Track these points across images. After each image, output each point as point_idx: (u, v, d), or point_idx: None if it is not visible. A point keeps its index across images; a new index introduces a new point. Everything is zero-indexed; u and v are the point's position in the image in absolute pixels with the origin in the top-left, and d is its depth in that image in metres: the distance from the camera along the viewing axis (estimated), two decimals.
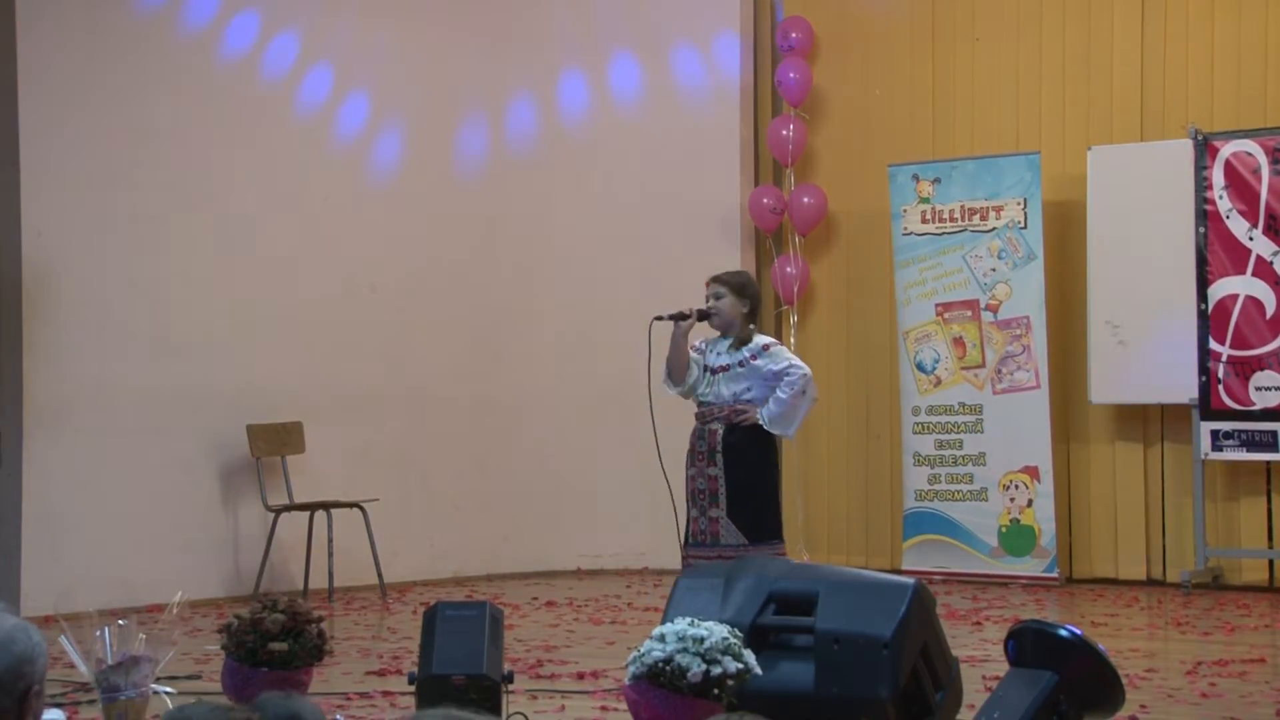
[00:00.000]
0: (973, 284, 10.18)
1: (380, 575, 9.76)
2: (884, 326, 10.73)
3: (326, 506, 9.59)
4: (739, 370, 7.16)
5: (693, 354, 7.23)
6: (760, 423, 7.15)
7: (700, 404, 7.24)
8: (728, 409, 7.15)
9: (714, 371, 7.17)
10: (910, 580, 5.14)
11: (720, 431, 7.15)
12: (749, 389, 7.16)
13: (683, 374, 7.18)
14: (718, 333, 7.31)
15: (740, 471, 7.13)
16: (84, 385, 9.03)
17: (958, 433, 10.19)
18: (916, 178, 10.37)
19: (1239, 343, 9.31)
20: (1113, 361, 9.75)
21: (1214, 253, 9.36)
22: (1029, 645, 4.65)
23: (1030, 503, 9.94)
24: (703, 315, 7.19)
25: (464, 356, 10.74)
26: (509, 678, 5.39)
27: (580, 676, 6.70)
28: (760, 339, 7.26)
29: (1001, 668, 5.08)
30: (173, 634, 5.39)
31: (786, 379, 7.12)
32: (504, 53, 11.01)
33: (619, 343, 10.92)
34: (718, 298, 7.21)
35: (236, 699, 5.38)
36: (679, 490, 7.26)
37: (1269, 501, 9.55)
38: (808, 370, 7.23)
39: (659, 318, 7.19)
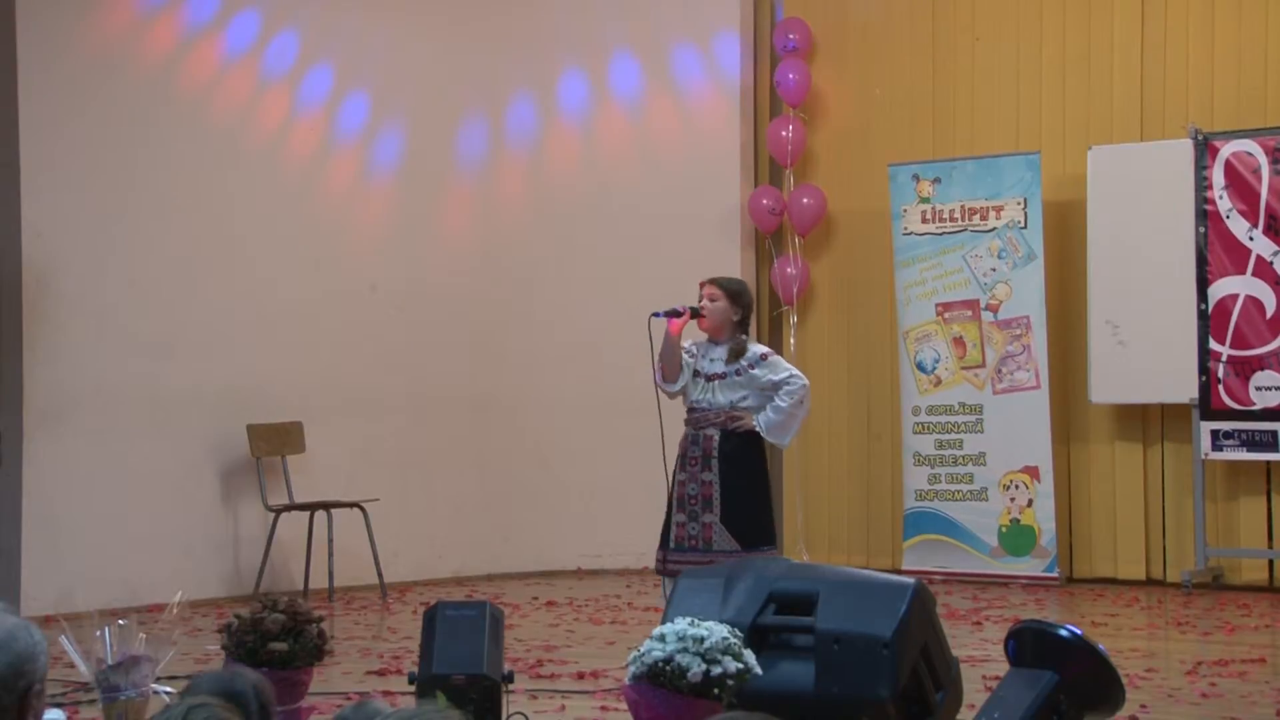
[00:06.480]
0: (973, 284, 10.18)
1: (380, 575, 9.76)
2: (884, 326, 10.73)
3: (327, 506, 9.59)
4: (736, 379, 7.17)
5: (684, 356, 7.24)
6: (757, 429, 7.17)
7: (694, 409, 7.23)
8: (724, 415, 7.16)
9: (709, 378, 7.17)
10: (910, 580, 5.14)
11: (716, 437, 7.15)
12: (745, 397, 7.17)
13: (676, 373, 7.19)
14: (705, 335, 7.32)
15: (736, 478, 7.13)
16: (84, 385, 9.03)
17: (958, 433, 10.19)
18: (916, 178, 10.37)
19: (1239, 343, 9.31)
20: (1113, 361, 9.75)
21: (1214, 253, 9.36)
22: (1029, 645, 4.65)
23: (1030, 503, 9.94)
24: (694, 314, 7.20)
25: (464, 356, 10.73)
26: (509, 678, 5.39)
27: (580, 676, 6.71)
28: (757, 348, 7.28)
29: (1001, 668, 5.08)
30: (173, 634, 5.39)
31: (787, 388, 7.15)
32: (504, 53, 11.01)
33: (619, 343, 10.93)
34: (712, 300, 7.22)
35: None
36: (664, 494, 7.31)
37: (1269, 501, 9.54)
38: (807, 381, 7.27)
39: (656, 314, 7.21)
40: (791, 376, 7.19)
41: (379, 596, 9.65)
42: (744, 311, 7.26)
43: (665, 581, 7.19)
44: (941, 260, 10.27)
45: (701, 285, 7.30)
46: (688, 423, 7.27)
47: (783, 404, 7.14)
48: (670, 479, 7.25)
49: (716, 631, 4.76)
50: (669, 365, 7.19)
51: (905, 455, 10.40)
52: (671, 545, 7.18)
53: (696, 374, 7.21)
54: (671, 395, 7.29)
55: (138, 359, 9.27)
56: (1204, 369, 9.37)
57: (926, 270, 10.32)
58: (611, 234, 11.15)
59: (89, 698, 5.69)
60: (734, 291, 7.26)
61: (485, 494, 10.78)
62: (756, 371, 7.17)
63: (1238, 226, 9.30)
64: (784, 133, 10.92)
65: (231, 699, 3.01)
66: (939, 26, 10.71)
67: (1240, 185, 9.29)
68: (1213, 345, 9.35)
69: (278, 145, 9.99)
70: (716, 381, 7.16)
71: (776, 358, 7.30)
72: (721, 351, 7.21)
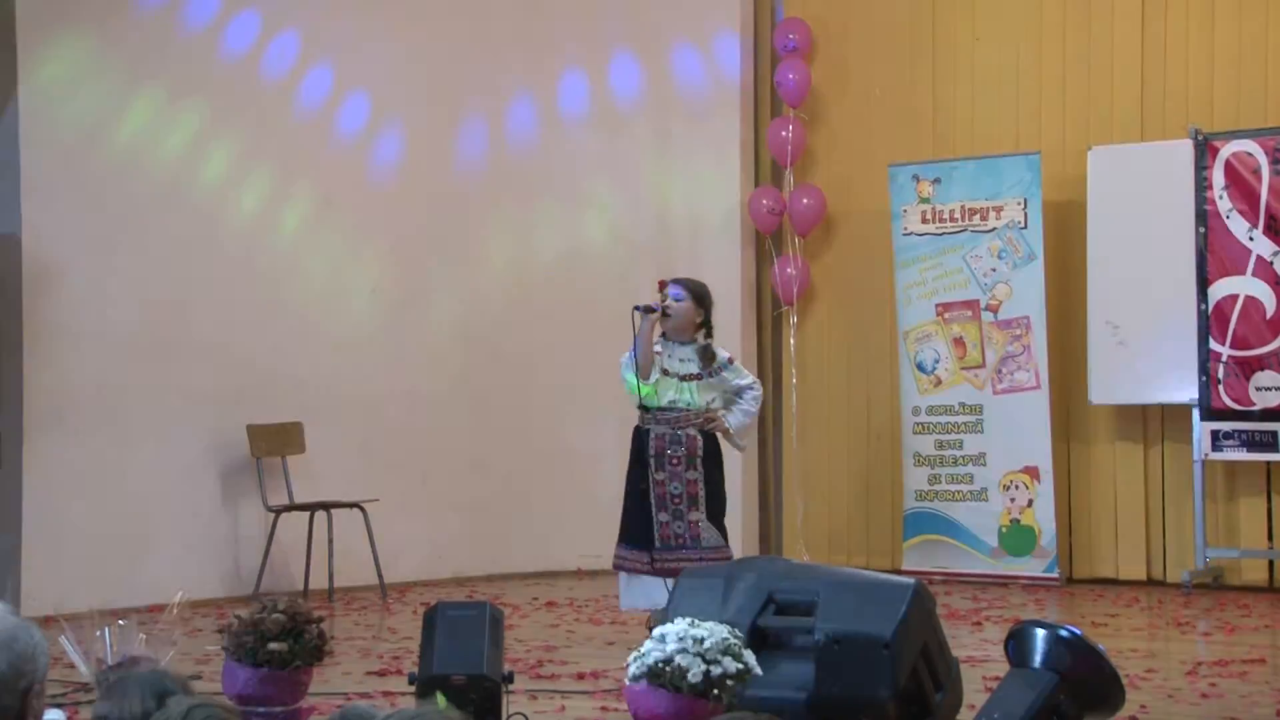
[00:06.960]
0: (973, 284, 10.18)
1: (380, 575, 9.76)
2: (884, 327, 10.72)
3: (326, 507, 9.59)
4: (709, 380, 7.55)
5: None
6: (729, 430, 7.57)
7: (670, 409, 7.45)
8: (702, 416, 7.49)
9: (683, 378, 7.45)
10: (910, 580, 5.15)
11: (700, 438, 7.47)
12: (715, 399, 7.57)
13: (649, 370, 7.41)
14: (661, 334, 7.59)
15: (717, 475, 7.52)
16: (84, 385, 9.02)
17: (958, 433, 10.19)
18: (916, 178, 10.37)
19: (1239, 343, 9.30)
20: (1113, 361, 9.75)
21: (1214, 253, 9.36)
22: (1029, 645, 4.65)
23: (1030, 503, 9.94)
24: (664, 313, 7.42)
25: (464, 356, 10.73)
26: (509, 678, 5.40)
27: (580, 676, 6.71)
28: (723, 352, 7.64)
29: (1001, 668, 5.09)
30: (173, 634, 5.40)
31: (752, 393, 7.63)
32: (504, 53, 11.00)
33: (619, 342, 10.95)
34: (677, 299, 7.50)
35: (236, 700, 5.39)
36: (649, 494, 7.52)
37: (1269, 501, 9.55)
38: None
39: (637, 308, 7.41)
40: (755, 382, 7.70)
41: (379, 597, 9.64)
42: (706, 313, 7.63)
43: (622, 577, 7.56)
44: (941, 260, 10.27)
45: (661, 285, 7.59)
46: (660, 421, 7.46)
47: (751, 409, 7.63)
48: (646, 478, 7.41)
49: (716, 632, 4.76)
50: (645, 360, 7.41)
51: (905, 455, 10.40)
52: (658, 545, 7.36)
53: (665, 373, 7.46)
54: (643, 384, 7.44)
55: (138, 359, 9.26)
56: (1204, 369, 9.37)
57: (926, 270, 10.32)
58: (611, 233, 11.15)
59: (89, 698, 5.68)
60: (698, 293, 7.61)
61: (485, 494, 10.78)
62: (726, 374, 7.58)
63: (1238, 227, 9.30)
64: (784, 133, 10.92)
65: (163, 696, 2.99)
66: (939, 26, 10.71)
67: (1240, 185, 9.29)
68: (1213, 346, 9.35)
69: (278, 145, 9.99)
70: (694, 382, 7.48)
71: (739, 364, 7.76)
72: (689, 352, 7.52)
